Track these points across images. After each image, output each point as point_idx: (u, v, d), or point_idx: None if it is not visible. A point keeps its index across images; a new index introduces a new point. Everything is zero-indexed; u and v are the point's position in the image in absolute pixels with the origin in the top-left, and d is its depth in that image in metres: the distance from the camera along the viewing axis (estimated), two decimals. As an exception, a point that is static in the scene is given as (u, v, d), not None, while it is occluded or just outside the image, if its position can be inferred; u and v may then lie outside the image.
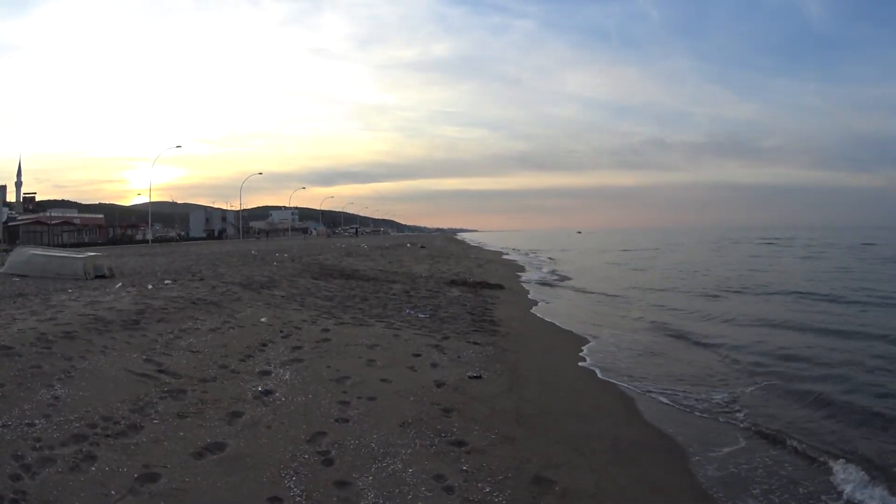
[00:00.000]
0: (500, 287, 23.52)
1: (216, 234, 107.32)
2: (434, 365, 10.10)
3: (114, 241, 77.45)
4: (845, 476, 6.29)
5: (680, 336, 14.62)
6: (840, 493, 6.01)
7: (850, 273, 31.87)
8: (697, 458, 6.94)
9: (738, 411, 8.59)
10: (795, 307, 19.67)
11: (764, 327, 15.93)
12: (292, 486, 5.32)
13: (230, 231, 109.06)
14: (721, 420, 8.26)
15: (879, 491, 5.95)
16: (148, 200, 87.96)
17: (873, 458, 6.86)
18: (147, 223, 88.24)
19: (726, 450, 7.18)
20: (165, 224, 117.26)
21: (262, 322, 12.46)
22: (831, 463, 6.63)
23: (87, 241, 71.88)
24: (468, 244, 71.04)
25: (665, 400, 9.16)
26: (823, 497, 5.93)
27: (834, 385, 9.92)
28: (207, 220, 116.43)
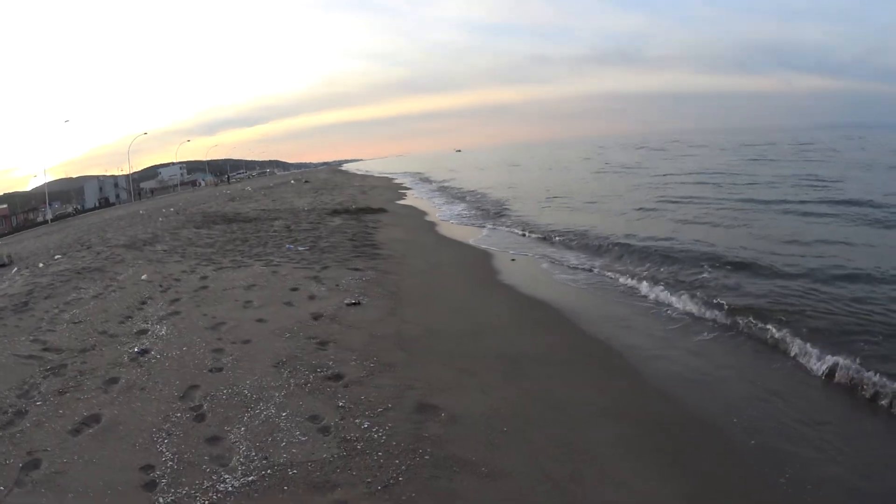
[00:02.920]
0: (383, 210, 23.32)
1: (108, 201, 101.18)
2: (312, 297, 9.61)
3: (17, 229, 71.67)
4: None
5: (562, 239, 14.83)
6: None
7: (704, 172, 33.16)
8: (589, 361, 6.97)
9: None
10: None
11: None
12: (164, 449, 4.97)
13: (122, 196, 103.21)
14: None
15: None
16: (44, 181, 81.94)
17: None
18: (45, 203, 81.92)
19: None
20: (64, 201, 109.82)
21: (142, 280, 11.80)
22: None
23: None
24: (352, 174, 69.79)
25: (561, 305, 9.13)
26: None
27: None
28: (101, 189, 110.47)
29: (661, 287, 9.65)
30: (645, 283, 10.03)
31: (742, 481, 4.57)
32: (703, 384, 6.28)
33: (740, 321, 7.75)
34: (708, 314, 8.24)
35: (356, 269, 11.63)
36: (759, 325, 7.54)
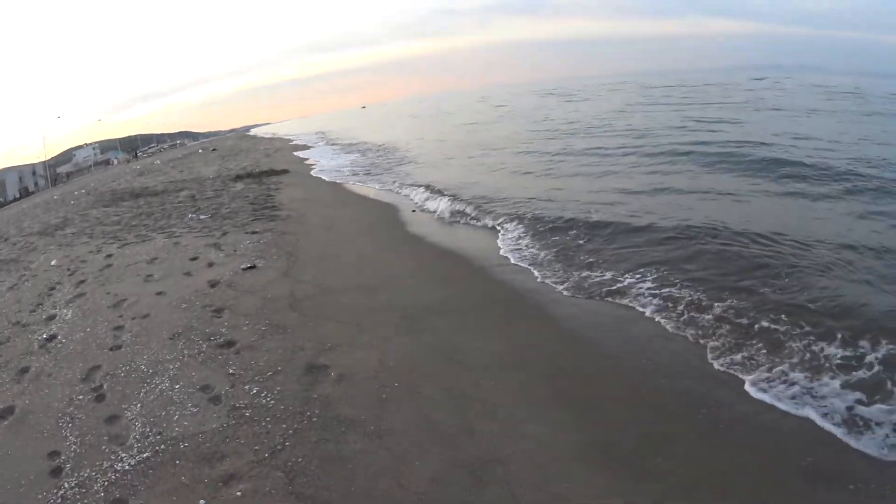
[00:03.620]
0: (285, 172, 23.08)
1: (28, 191, 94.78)
2: (210, 265, 9.40)
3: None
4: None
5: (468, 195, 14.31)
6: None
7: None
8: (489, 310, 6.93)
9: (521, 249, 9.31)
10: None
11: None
12: (68, 434, 4.93)
13: (41, 184, 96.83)
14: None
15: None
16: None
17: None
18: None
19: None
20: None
21: (52, 266, 11.38)
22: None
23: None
24: (259, 138, 67.61)
25: (466, 255, 9.15)
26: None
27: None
28: (21, 180, 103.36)
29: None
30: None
31: (652, 423, 4.57)
32: (609, 326, 6.28)
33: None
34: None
35: (255, 233, 11.51)
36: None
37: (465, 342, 6.04)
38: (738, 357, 5.34)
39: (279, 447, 4.39)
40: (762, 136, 18.10)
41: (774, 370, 5.07)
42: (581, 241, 9.02)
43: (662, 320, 6.21)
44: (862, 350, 5.18)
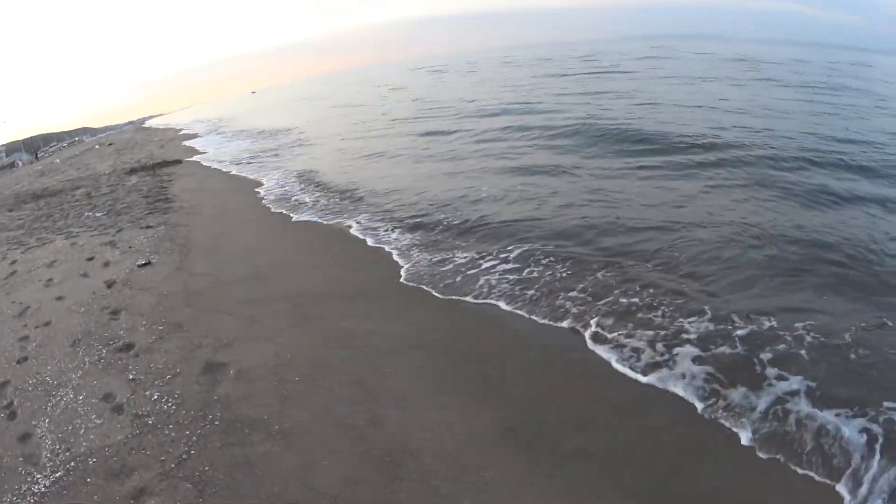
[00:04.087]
0: (178, 162, 22.46)
1: None
2: (107, 264, 9.25)
3: None
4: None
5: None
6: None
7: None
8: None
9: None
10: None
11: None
12: None
13: None
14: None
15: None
16: None
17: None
18: None
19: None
20: None
21: None
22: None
23: None
24: (154, 129, 63.71)
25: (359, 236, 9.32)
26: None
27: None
28: None
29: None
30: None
31: (566, 401, 4.76)
32: (513, 301, 6.50)
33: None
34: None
35: (149, 227, 11.30)
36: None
37: (357, 328, 6.19)
38: (611, 335, 5.70)
39: (185, 456, 4.39)
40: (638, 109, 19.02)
41: (636, 343, 5.49)
42: (446, 224, 9.35)
43: (517, 308, 6.43)
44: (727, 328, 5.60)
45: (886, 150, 12.95)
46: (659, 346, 5.47)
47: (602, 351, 5.47)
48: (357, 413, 4.74)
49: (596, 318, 5.99)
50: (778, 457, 4.14)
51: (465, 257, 7.92)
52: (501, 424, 4.54)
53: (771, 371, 5.04)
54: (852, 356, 5.15)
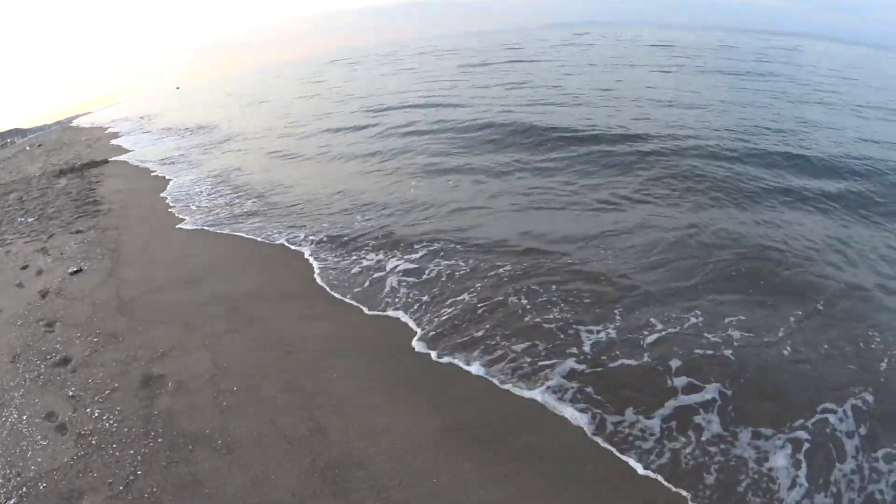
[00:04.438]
0: (105, 162, 21.48)
1: None
2: (40, 272, 8.97)
3: None
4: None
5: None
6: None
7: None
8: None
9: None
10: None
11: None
12: None
13: None
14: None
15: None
16: None
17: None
18: None
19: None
20: None
21: None
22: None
23: None
24: (82, 128, 59.59)
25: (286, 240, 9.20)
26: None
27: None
28: None
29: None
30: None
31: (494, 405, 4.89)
32: (409, 309, 6.59)
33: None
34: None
35: (79, 232, 10.95)
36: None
37: (290, 331, 6.27)
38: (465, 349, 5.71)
39: (132, 477, 4.42)
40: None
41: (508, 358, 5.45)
42: (358, 227, 9.32)
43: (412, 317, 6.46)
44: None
45: (812, 139, 13.26)
46: (542, 361, 5.37)
47: (480, 368, 5.46)
48: (300, 422, 4.81)
49: (484, 330, 5.97)
50: (680, 491, 4.00)
51: (372, 259, 8.01)
52: (444, 425, 4.67)
53: (679, 381, 4.89)
54: (777, 361, 5.11)
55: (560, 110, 17.05)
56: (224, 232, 9.99)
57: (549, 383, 5.05)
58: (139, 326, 6.67)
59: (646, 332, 5.61)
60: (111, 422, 5.10)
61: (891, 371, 5.05)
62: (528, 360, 5.42)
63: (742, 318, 5.77)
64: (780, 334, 5.50)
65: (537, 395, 4.94)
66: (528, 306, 6.23)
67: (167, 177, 15.65)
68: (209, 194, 13.15)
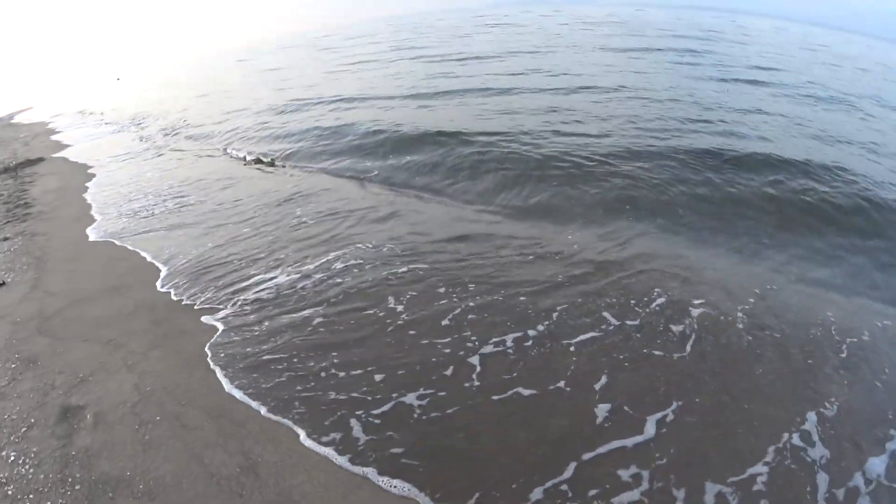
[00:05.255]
0: (41, 160, 20.38)
1: None
2: None
3: None
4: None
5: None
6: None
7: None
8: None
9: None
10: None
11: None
12: None
13: None
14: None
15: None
16: None
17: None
18: None
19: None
20: None
21: None
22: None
23: None
24: (21, 125, 56.15)
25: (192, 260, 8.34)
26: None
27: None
28: None
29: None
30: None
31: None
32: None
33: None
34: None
35: (6, 239, 10.15)
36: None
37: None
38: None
39: None
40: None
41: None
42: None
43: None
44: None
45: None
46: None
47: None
48: (229, 458, 4.37)
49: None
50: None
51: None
52: (383, 455, 4.33)
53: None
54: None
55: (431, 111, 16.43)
56: (148, 233, 9.42)
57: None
58: (60, 347, 6.11)
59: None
60: (27, 467, 4.58)
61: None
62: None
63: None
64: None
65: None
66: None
67: (99, 174, 14.78)
68: (135, 194, 12.39)
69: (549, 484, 4.02)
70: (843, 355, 5.43)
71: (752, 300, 6.30)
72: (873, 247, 7.97)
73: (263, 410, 4.88)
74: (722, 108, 15.04)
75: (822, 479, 4.11)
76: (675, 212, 8.62)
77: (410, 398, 4.84)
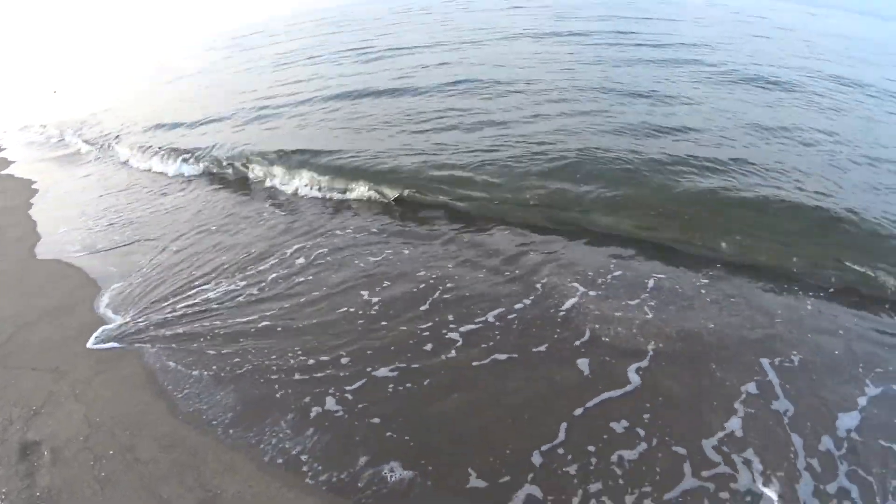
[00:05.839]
0: None
1: None
2: None
3: None
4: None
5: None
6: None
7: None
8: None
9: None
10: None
11: None
12: None
13: None
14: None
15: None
16: None
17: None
18: None
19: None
20: None
21: None
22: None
23: None
24: None
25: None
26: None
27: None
28: None
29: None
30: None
31: None
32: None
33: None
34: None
35: None
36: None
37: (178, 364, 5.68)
38: None
39: None
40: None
41: None
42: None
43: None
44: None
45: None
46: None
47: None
48: (186, 491, 4.29)
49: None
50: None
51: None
52: (336, 471, 4.36)
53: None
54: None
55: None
56: (95, 248, 9.17)
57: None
58: (12, 377, 5.96)
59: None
60: (-1, 510, 4.42)
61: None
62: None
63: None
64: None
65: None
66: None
67: (44, 190, 14.10)
68: (82, 208, 11.91)
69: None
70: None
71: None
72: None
73: (218, 434, 4.85)
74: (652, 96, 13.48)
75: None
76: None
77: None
